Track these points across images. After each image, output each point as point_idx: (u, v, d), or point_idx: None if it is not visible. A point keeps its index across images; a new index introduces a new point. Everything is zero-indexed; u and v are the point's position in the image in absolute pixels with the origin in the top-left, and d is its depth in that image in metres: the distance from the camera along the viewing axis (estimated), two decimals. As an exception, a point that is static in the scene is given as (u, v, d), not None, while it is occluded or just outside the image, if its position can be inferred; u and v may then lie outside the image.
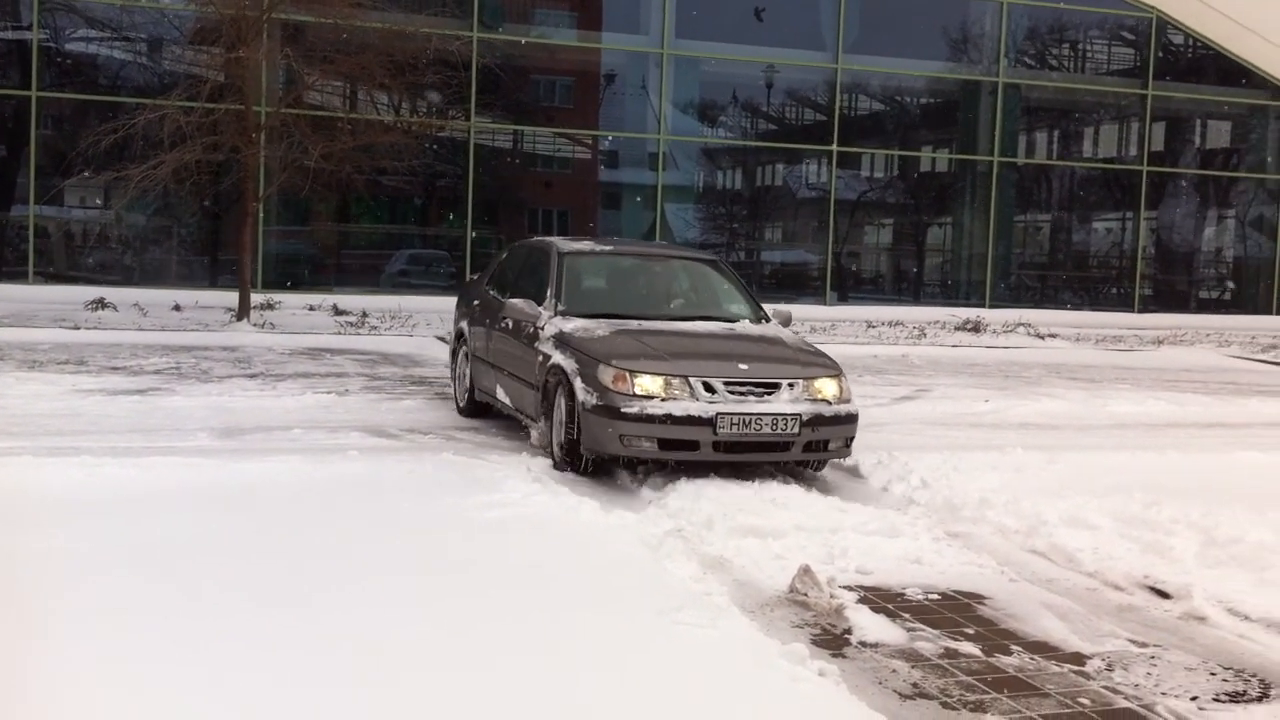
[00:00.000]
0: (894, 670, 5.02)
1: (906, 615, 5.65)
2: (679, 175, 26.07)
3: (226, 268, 21.24)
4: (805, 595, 5.67)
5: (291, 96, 18.98)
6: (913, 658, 5.15)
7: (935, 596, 6.00)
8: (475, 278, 11.67)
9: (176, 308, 19.01)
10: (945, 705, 4.66)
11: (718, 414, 7.59)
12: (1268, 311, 27.38)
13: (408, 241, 24.73)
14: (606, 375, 7.80)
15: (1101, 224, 28.99)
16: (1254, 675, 5.11)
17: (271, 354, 14.78)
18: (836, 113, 25.12)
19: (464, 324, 10.80)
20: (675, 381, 7.75)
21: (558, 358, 8.23)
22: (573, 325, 8.50)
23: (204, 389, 11.61)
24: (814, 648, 4.90)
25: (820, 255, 25.79)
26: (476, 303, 10.56)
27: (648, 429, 7.60)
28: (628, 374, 7.75)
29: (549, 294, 9.08)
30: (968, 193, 27.15)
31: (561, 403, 8.13)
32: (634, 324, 8.59)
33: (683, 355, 8.07)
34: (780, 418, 7.69)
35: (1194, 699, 4.82)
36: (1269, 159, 28.11)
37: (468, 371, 10.51)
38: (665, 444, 7.63)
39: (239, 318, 17.77)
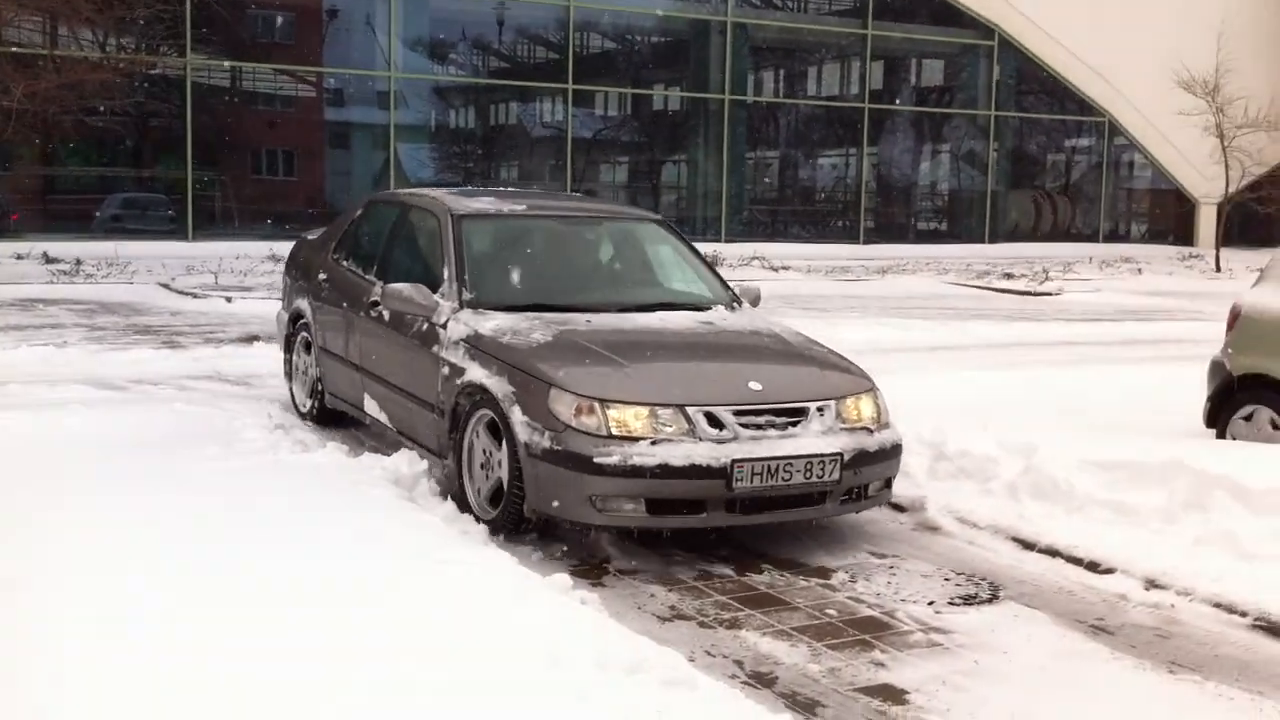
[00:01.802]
0: (652, 594, 5.13)
1: (662, 543, 5.73)
2: (411, 114, 25.56)
3: (-79, 216, 19.62)
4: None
5: (-14, 32, 17.60)
6: (670, 581, 5.25)
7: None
8: (311, 240, 8.60)
9: None
10: (702, 625, 4.79)
11: (733, 461, 5.27)
12: (980, 240, 29.05)
13: (122, 185, 23.39)
14: (564, 406, 5.39)
15: (827, 160, 30.09)
16: (984, 579, 5.43)
17: (-24, 307, 13.75)
18: (570, 50, 25.08)
19: (303, 303, 8.04)
20: (666, 414, 5.37)
21: (476, 373, 5.80)
22: (493, 324, 6.01)
23: (-100, 346, 10.68)
24: (575, 578, 4.91)
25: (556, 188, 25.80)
26: (323, 277, 7.85)
27: (632, 486, 5.24)
28: (597, 404, 5.35)
29: (448, 276, 6.45)
30: (701, 130, 27.65)
31: (483, 439, 5.82)
32: (579, 320, 6.12)
33: (665, 371, 5.69)
34: (816, 461, 5.42)
35: (931, 604, 5.08)
36: (979, 96, 29.70)
37: (314, 369, 7.86)
38: (657, 506, 5.31)
39: (-63, 269, 16.46)
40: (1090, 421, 8.01)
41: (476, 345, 5.93)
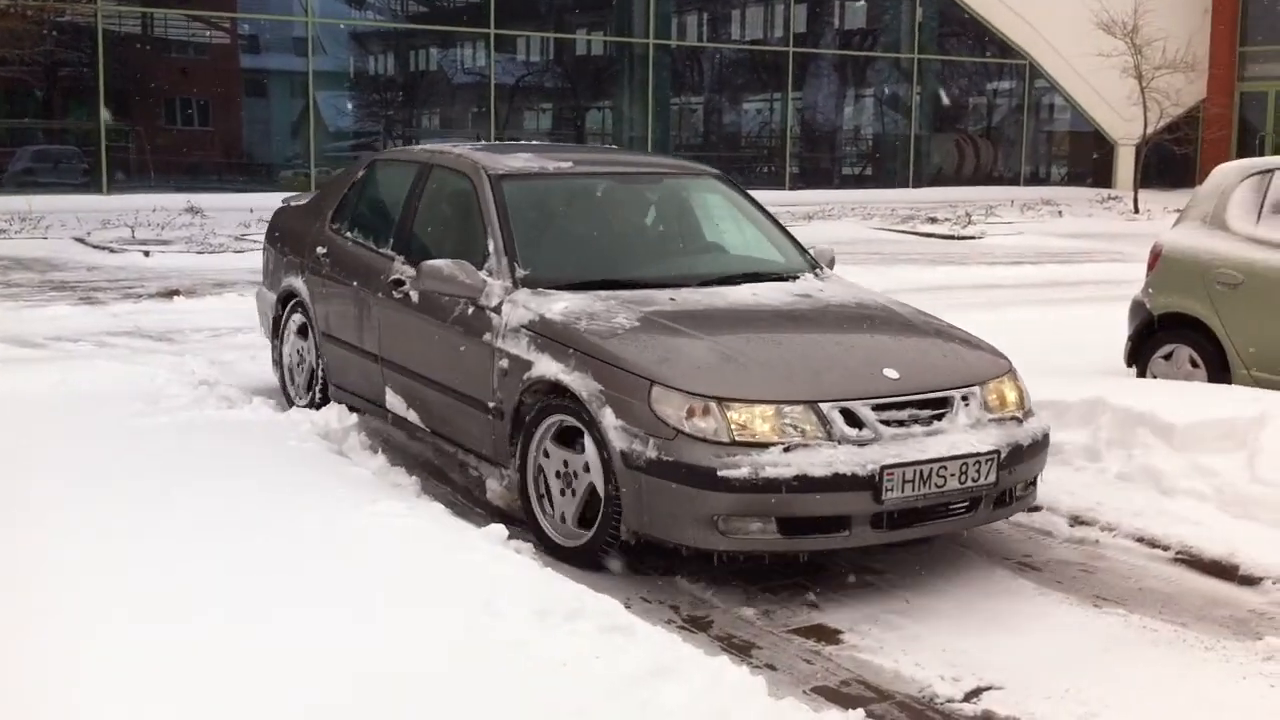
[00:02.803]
0: (588, 543, 5.13)
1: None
2: (329, 61, 25.09)
3: None
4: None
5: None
6: (605, 530, 5.26)
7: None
8: (297, 206, 7.59)
9: None
10: (638, 572, 4.82)
11: (882, 468, 4.46)
12: (905, 185, 29.23)
13: (32, 137, 22.74)
14: (672, 407, 4.53)
15: (752, 105, 30.03)
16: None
17: (-117, 264, 13.36)
18: (491, -6, 24.74)
19: (296, 281, 6.96)
20: (796, 413, 4.54)
21: (548, 367, 4.92)
22: (562, 307, 5.13)
23: None
24: (512, 528, 4.90)
25: (482, 141, 25.50)
26: (322, 251, 6.76)
27: (764, 503, 4.41)
28: (714, 404, 4.50)
29: (493, 250, 5.52)
30: (625, 76, 27.46)
31: (559, 446, 4.94)
32: (662, 299, 5.27)
33: (785, 360, 4.84)
34: (972, 462, 4.64)
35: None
36: (902, 39, 29.77)
37: (315, 358, 6.79)
38: (792, 526, 4.49)
39: None
40: (1014, 362, 8.09)
41: (544, 333, 5.02)
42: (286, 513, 4.63)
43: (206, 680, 3.27)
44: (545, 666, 3.43)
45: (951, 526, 4.86)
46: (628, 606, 4.17)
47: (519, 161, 6.07)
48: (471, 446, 5.49)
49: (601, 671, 3.41)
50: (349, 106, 25.68)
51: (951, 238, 19.65)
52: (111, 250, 14.99)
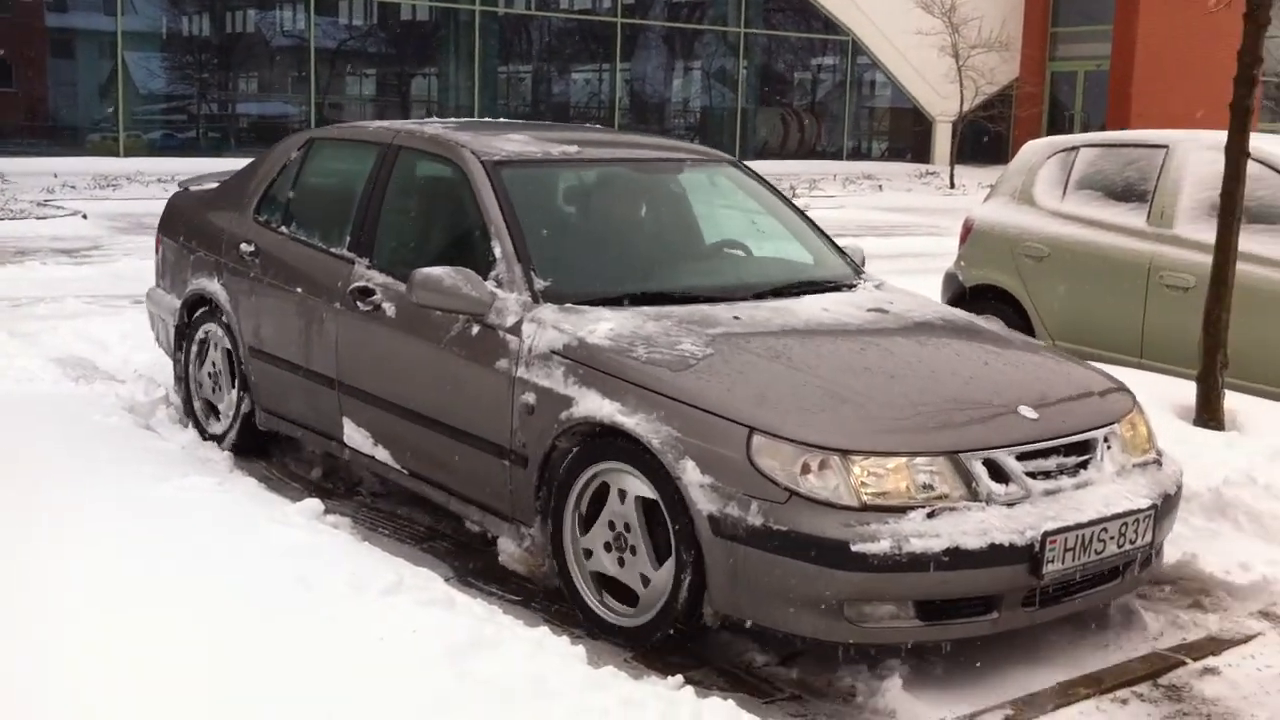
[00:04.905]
0: (408, 518, 5.08)
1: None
2: (141, 21, 24.07)
3: None
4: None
5: None
6: (425, 503, 5.15)
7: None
8: (202, 191, 6.35)
9: None
10: (460, 544, 4.78)
11: (1044, 535, 3.64)
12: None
13: None
14: (780, 460, 3.65)
15: (581, 75, 29.96)
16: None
17: None
18: (311, -45, 24.07)
19: (210, 284, 5.75)
20: (934, 466, 3.69)
21: (598, 406, 3.96)
22: (607, 328, 4.17)
23: None
24: (328, 501, 4.78)
25: (302, 106, 24.89)
26: (249, 248, 5.59)
27: (905, 584, 3.57)
28: (835, 458, 3.63)
29: (501, 255, 4.52)
30: (451, 42, 27.08)
31: (612, 502, 3.99)
32: (723, 317, 4.36)
33: (904, 398, 3.92)
34: (1131, 520, 3.87)
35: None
36: (729, 13, 30.05)
37: (239, 377, 5.64)
38: (932, 610, 3.66)
39: None
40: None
41: (588, 362, 4.05)
42: (87, 489, 4.42)
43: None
44: (361, 640, 3.34)
45: (1100, 598, 4.02)
46: (448, 580, 4.13)
47: (514, 145, 5.01)
48: (475, 497, 4.49)
49: (419, 644, 3.35)
50: (161, 69, 24.68)
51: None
52: (-98, 215, 14.15)
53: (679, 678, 3.59)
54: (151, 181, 18.54)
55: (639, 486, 3.87)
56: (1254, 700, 3.71)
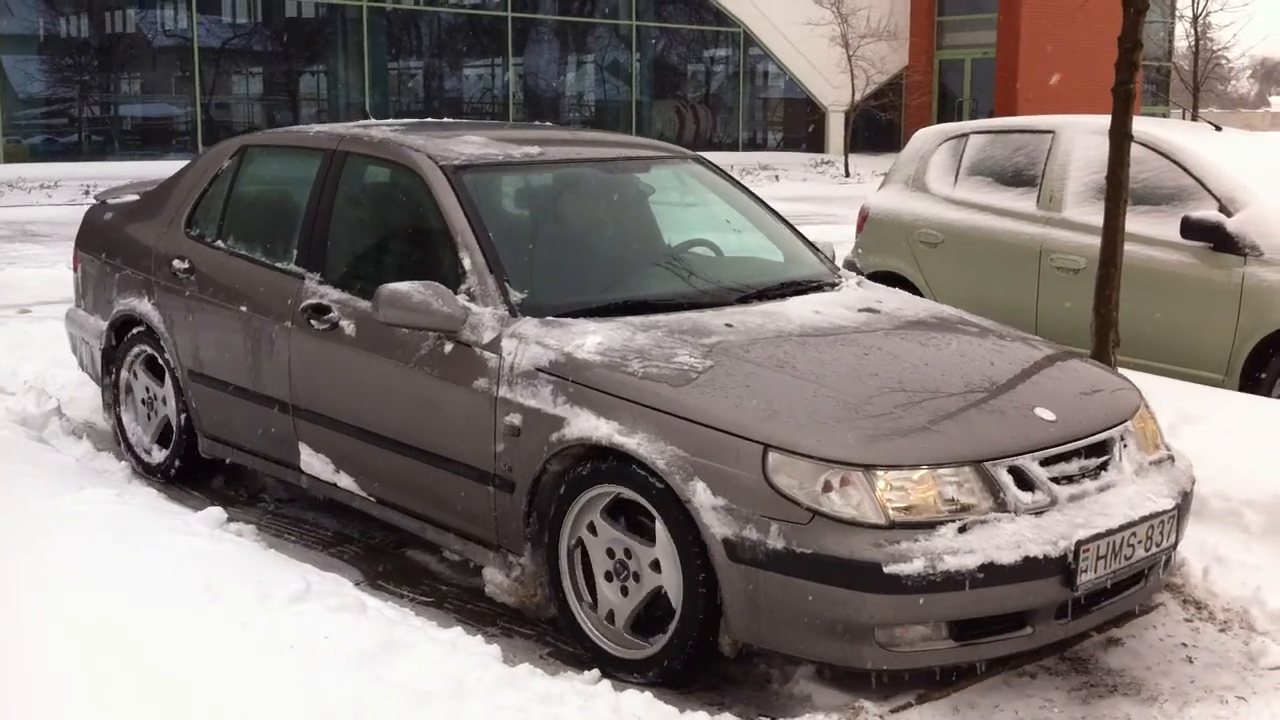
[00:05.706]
0: (315, 523, 5.05)
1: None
2: (16, 23, 23.37)
3: None
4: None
5: None
6: (334, 508, 5.09)
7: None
8: (124, 204, 6.00)
9: None
10: (370, 548, 4.76)
11: (1078, 544, 3.49)
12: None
13: None
14: (799, 478, 3.44)
15: (473, 70, 29.73)
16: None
17: None
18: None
19: (142, 304, 5.43)
20: (960, 477, 3.51)
21: (593, 426, 3.73)
22: (596, 341, 3.93)
23: None
24: (231, 509, 4.70)
25: (187, 108, 24.38)
26: (183, 265, 5.27)
27: (939, 604, 3.39)
28: (859, 474, 3.42)
29: (471, 267, 4.24)
30: (339, 39, 26.70)
31: (605, 527, 3.79)
32: (713, 324, 4.14)
33: (919, 405, 3.74)
34: (1157, 522, 3.75)
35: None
36: (620, 6, 30.05)
37: (176, 403, 5.37)
38: (965, 629, 3.50)
39: None
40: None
41: (577, 379, 3.81)
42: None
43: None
44: (270, 648, 3.28)
45: (1127, 603, 3.86)
46: (358, 584, 4.09)
47: (473, 148, 4.70)
48: (454, 525, 4.23)
49: (331, 650, 3.30)
50: (40, 72, 23.99)
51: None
52: None
53: (595, 672, 3.60)
54: (34, 188, 18.01)
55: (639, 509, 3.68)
56: (1157, 670, 3.81)
